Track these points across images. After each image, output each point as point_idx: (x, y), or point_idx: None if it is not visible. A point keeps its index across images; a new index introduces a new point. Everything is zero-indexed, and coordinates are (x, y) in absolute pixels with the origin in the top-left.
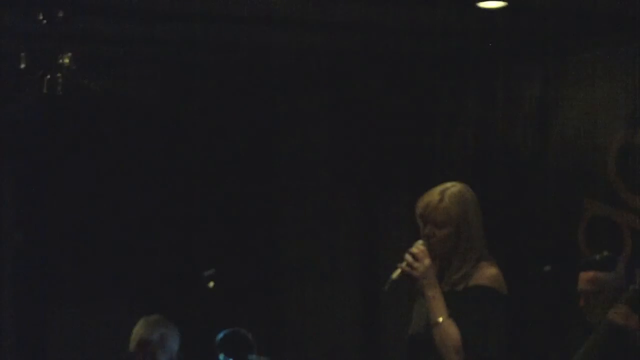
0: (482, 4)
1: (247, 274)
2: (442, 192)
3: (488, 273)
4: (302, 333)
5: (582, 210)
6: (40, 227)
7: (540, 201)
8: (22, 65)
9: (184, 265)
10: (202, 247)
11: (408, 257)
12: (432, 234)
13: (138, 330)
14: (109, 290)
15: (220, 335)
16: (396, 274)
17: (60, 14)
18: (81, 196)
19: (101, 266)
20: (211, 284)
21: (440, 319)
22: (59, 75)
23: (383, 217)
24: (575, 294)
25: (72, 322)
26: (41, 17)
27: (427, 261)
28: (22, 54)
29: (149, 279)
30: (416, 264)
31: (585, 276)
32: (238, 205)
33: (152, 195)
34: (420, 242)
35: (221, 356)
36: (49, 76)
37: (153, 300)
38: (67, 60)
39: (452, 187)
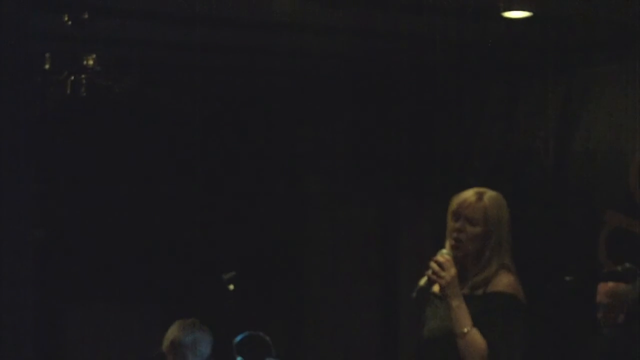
0: (507, 14)
1: (267, 278)
2: (480, 193)
3: (507, 280)
4: (320, 337)
5: (603, 221)
6: (62, 226)
7: (561, 212)
8: (47, 66)
9: (205, 267)
10: (224, 250)
11: (434, 265)
12: (462, 229)
13: (172, 331)
14: (128, 289)
15: (239, 338)
16: (423, 281)
17: (85, 16)
18: (104, 196)
19: (120, 266)
20: (231, 287)
21: (466, 329)
22: (82, 76)
23: (404, 225)
24: (595, 304)
25: (91, 321)
26: (66, 19)
27: (453, 270)
28: (47, 55)
29: (169, 279)
30: (442, 273)
31: (604, 288)
32: (260, 210)
33: (174, 196)
34: (444, 250)
35: (239, 359)
36: (73, 77)
37: (171, 301)
38: (91, 62)
39: (489, 191)
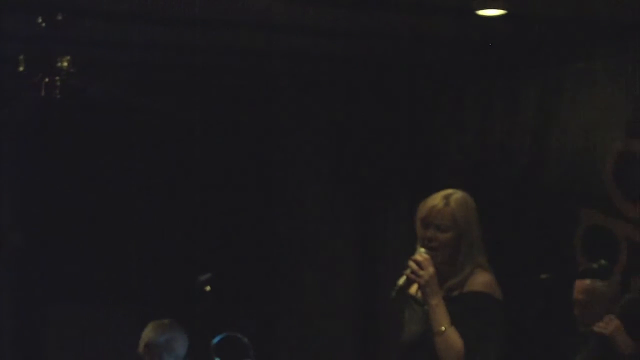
0: (481, 12)
1: (243, 279)
2: (447, 197)
3: (483, 279)
4: (298, 338)
5: (579, 219)
6: (39, 229)
7: (537, 210)
8: (21, 68)
9: (181, 269)
10: (200, 251)
11: (412, 264)
12: (434, 238)
13: (147, 332)
14: (106, 292)
15: (216, 340)
16: (402, 280)
17: (59, 17)
18: (80, 198)
19: (98, 268)
20: (207, 288)
21: (443, 328)
22: (57, 78)
23: (381, 225)
24: (571, 302)
25: (71, 324)
26: (40, 20)
27: (431, 269)
28: (21, 57)
29: (146, 281)
30: (421, 272)
31: (580, 285)
32: (237, 210)
33: (150, 198)
34: (423, 249)
35: None
36: (47, 79)
37: (150, 302)
38: (65, 64)
39: (456, 193)
